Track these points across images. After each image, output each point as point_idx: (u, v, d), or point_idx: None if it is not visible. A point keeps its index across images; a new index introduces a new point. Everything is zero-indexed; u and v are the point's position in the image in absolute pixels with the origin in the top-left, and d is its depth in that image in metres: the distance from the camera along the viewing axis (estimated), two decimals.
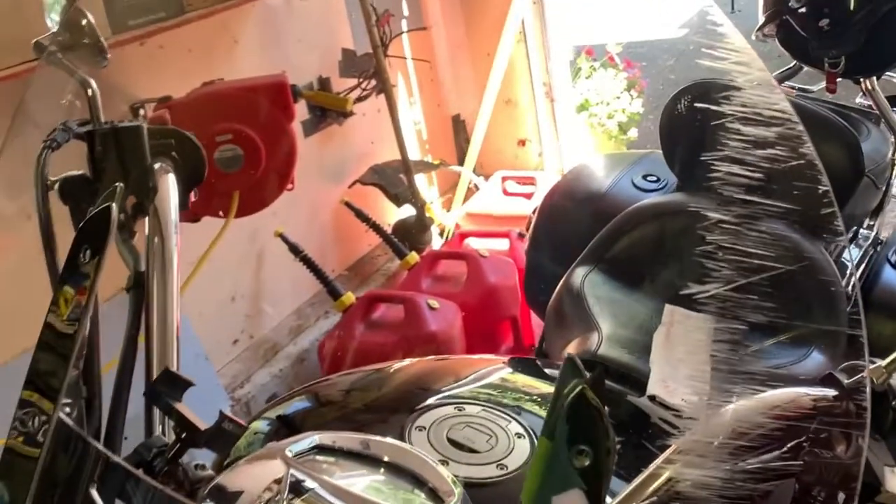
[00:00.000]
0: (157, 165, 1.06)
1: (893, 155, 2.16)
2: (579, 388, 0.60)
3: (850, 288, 1.95)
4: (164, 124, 1.12)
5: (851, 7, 2.10)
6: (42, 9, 1.80)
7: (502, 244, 3.31)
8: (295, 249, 2.79)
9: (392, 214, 3.46)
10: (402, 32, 3.58)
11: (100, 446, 0.74)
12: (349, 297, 2.78)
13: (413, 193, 3.33)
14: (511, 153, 4.14)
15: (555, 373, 1.34)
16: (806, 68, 2.31)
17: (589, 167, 2.47)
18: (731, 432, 0.78)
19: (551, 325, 1.76)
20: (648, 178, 2.21)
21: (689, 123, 1.82)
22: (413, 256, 3.11)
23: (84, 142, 1.10)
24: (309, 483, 0.70)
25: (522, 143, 4.14)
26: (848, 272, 2.03)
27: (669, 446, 0.77)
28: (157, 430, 0.86)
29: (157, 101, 2.38)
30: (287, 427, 1.14)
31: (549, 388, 1.23)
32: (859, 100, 2.35)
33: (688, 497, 0.72)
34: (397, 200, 3.34)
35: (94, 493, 0.73)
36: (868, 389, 0.83)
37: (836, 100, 2.26)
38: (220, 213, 2.41)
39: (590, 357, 1.46)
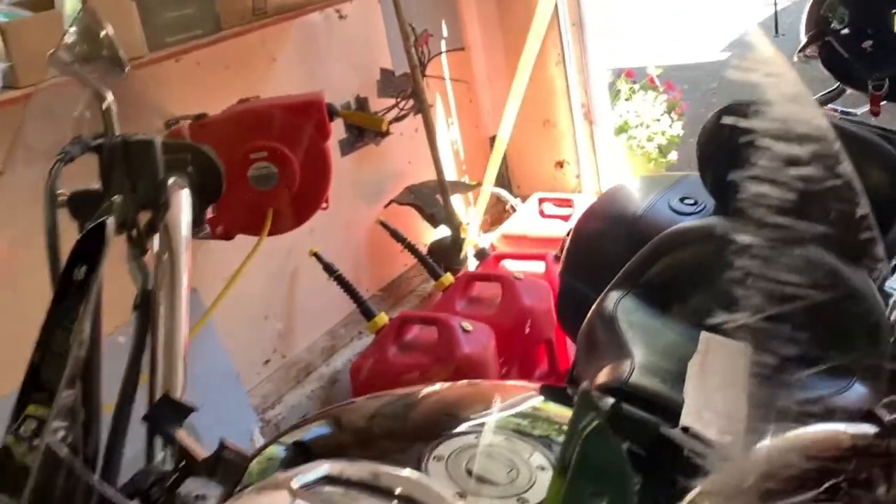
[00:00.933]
0: (170, 180, 1.04)
1: None
2: (595, 423, 0.57)
3: (893, 317, 1.90)
4: (182, 139, 1.10)
5: (895, 28, 2.06)
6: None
7: (538, 267, 3.26)
8: (329, 269, 2.77)
9: (428, 235, 3.44)
10: (440, 53, 3.57)
11: (92, 478, 0.71)
12: (382, 318, 2.75)
13: (449, 214, 3.31)
14: (549, 175, 4.11)
15: None
16: (849, 91, 2.26)
17: (624, 189, 2.43)
18: (764, 473, 0.74)
19: (582, 351, 1.72)
20: (686, 202, 2.16)
21: (725, 144, 1.78)
22: (448, 278, 3.08)
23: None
24: None
25: (560, 164, 4.10)
26: (892, 301, 1.97)
27: (702, 481, 0.73)
28: (159, 456, 0.84)
29: (193, 118, 2.39)
30: (303, 453, 1.11)
31: None
32: None
33: None
34: (433, 221, 3.32)
35: None
36: None
37: (881, 124, 2.21)
38: (254, 231, 2.41)
39: (620, 385, 1.42)
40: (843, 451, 0.79)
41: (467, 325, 2.68)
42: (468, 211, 3.77)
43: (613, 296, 1.71)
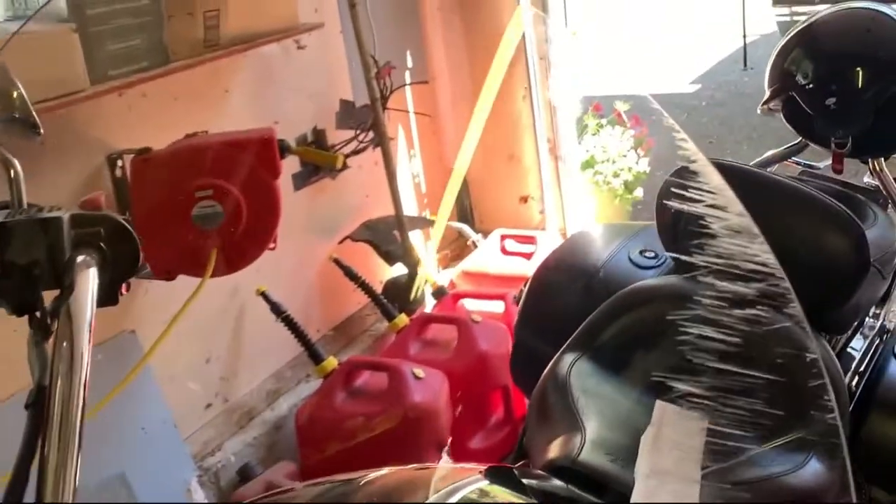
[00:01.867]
0: (78, 259, 0.94)
1: None
2: None
3: (853, 383, 1.85)
4: (97, 208, 1.01)
5: (859, 85, 2.01)
6: None
7: (498, 306, 3.19)
8: (277, 309, 2.68)
9: (384, 272, 3.35)
10: (403, 85, 3.49)
11: None
12: (331, 363, 2.66)
13: (406, 251, 3.22)
14: (512, 210, 4.04)
15: (532, 483, 1.24)
16: (812, 146, 2.21)
17: (584, 238, 2.37)
18: None
19: (534, 418, 1.64)
20: (646, 255, 2.11)
21: (673, 215, 1.73)
22: (402, 319, 3.00)
23: None
24: None
25: (525, 199, 4.03)
26: (853, 365, 1.92)
27: None
28: None
29: (136, 153, 2.30)
30: None
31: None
32: (867, 179, 2.25)
33: None
34: (389, 259, 3.23)
35: None
36: None
37: (844, 177, 2.17)
38: (197, 271, 2.31)
39: (569, 464, 1.35)
40: None
41: (419, 371, 2.60)
42: (427, 247, 3.69)
43: (567, 359, 1.64)
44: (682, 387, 0.92)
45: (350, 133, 3.20)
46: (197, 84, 2.54)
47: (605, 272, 2.07)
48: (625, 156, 4.47)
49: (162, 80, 2.32)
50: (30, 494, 0.83)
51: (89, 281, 0.92)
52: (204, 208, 2.26)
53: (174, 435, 2.36)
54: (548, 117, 3.92)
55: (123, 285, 1.02)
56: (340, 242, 3.17)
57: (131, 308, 2.40)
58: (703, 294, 0.80)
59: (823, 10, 2.15)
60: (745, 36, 8.46)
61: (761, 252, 0.67)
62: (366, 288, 3.03)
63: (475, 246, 3.77)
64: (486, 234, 3.82)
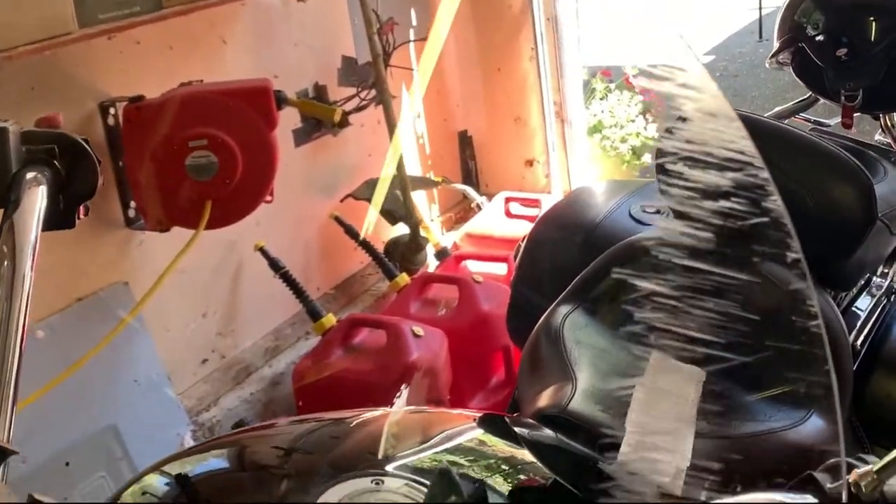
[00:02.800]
0: (28, 175, 0.90)
1: None
2: None
3: (858, 342, 1.80)
4: (55, 127, 0.96)
5: (872, 37, 1.94)
6: None
7: (500, 268, 3.15)
8: (275, 265, 2.64)
9: (386, 232, 3.30)
10: (407, 41, 3.43)
11: None
12: (329, 320, 2.62)
13: (409, 211, 3.17)
14: (518, 173, 3.98)
15: (524, 432, 1.20)
16: (822, 101, 2.15)
17: (585, 193, 2.32)
18: None
19: (526, 369, 1.60)
20: (647, 210, 2.05)
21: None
22: (403, 278, 2.95)
23: None
24: None
25: (530, 163, 3.97)
26: (859, 323, 1.87)
27: None
28: None
29: (129, 100, 2.26)
30: (186, 490, 0.98)
31: (511, 452, 1.10)
32: (878, 137, 2.19)
33: None
34: (391, 218, 3.19)
35: None
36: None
37: (855, 136, 2.11)
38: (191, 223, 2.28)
39: (558, 413, 1.31)
40: None
41: (419, 329, 2.55)
42: (431, 209, 3.64)
43: (562, 310, 1.60)
44: (676, 336, 0.88)
45: (352, 90, 3.15)
46: (193, 33, 2.49)
47: (604, 227, 2.02)
48: (633, 121, 4.40)
49: (155, 27, 2.26)
50: None
51: (37, 199, 0.88)
52: (198, 158, 2.23)
53: (168, 388, 2.32)
54: (554, 79, 3.85)
55: (81, 208, 0.97)
56: (342, 201, 3.12)
57: (124, 260, 2.37)
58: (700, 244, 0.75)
59: None
60: (760, 7, 8.33)
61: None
62: (367, 246, 2.99)
63: (479, 208, 3.72)
64: (490, 197, 3.77)
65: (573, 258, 1.88)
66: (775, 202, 0.62)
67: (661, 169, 0.64)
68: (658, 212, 2.06)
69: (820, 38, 2.01)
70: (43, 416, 1.89)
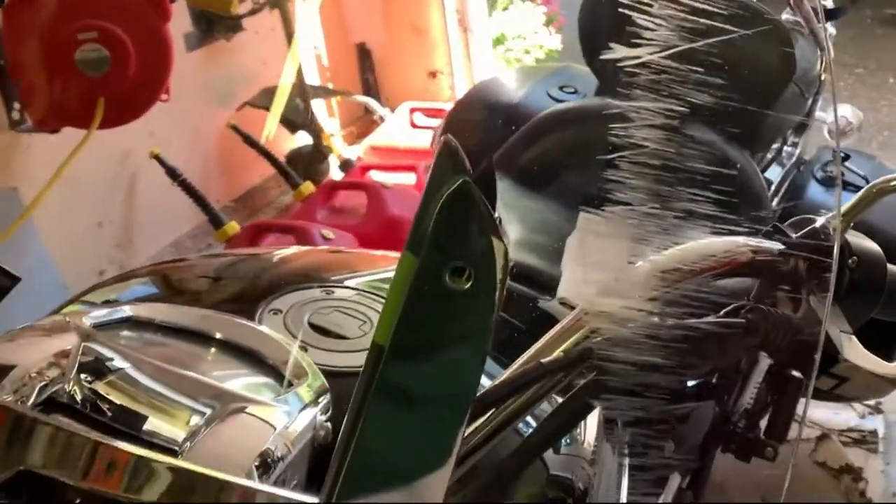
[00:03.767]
0: None
1: (821, 69, 1.99)
2: (459, 182, 0.44)
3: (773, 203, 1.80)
4: None
5: None
6: None
7: (409, 178, 3.07)
8: (172, 173, 2.49)
9: (286, 143, 3.17)
10: None
11: None
12: (232, 227, 2.50)
13: (310, 120, 3.05)
14: (420, 86, 3.88)
15: None
16: None
17: (499, 79, 2.25)
18: (656, 286, 0.67)
19: None
20: (565, 90, 2.01)
21: (607, 13, 1.62)
22: (308, 186, 2.83)
23: None
24: (111, 358, 0.56)
25: (433, 74, 3.88)
26: (769, 194, 1.87)
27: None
28: None
29: None
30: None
31: None
32: (785, 16, 2.17)
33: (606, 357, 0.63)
34: (291, 126, 3.06)
35: None
36: None
37: None
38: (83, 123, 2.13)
39: None
40: (740, 267, 0.72)
41: (328, 232, 2.46)
42: (331, 123, 3.52)
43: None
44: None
45: None
46: None
47: (524, 106, 1.97)
48: (536, 32, 4.34)
49: None
50: None
51: None
52: (88, 52, 2.08)
53: (64, 298, 2.18)
54: None
55: None
56: (239, 109, 2.98)
57: (11, 164, 2.21)
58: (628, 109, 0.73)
59: None
60: None
61: None
62: (267, 155, 2.85)
63: (382, 120, 3.61)
64: (392, 109, 3.66)
65: (495, 137, 1.83)
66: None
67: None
68: (576, 91, 2.02)
69: None
70: None
